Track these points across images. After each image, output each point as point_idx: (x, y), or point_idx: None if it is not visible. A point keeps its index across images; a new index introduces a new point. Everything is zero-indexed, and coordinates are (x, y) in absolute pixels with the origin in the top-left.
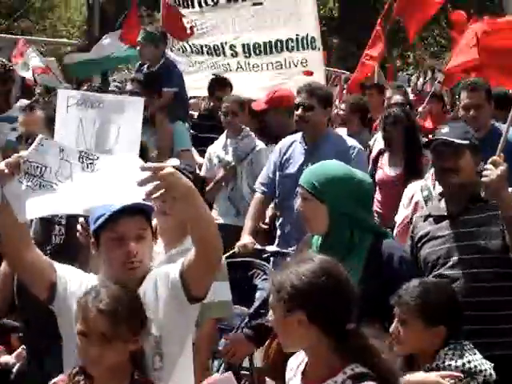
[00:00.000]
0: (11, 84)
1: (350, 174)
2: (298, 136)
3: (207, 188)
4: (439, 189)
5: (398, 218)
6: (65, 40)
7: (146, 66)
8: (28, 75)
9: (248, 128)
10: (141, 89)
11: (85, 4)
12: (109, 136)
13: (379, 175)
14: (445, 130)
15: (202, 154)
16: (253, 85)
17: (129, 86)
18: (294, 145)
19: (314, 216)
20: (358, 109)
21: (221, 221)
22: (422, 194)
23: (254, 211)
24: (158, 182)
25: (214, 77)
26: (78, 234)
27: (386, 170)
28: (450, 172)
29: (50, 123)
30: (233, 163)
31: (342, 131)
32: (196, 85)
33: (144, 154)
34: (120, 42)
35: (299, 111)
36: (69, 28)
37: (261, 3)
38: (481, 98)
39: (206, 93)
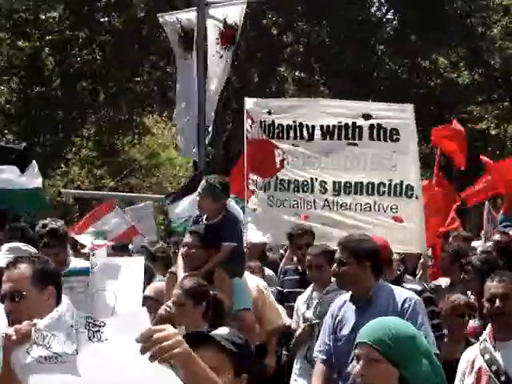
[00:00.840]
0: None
1: (417, 332)
2: (349, 295)
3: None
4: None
5: None
6: None
7: (204, 217)
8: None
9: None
10: (200, 242)
11: (191, 161)
12: (106, 303)
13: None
14: None
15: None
16: (338, 225)
17: (187, 239)
18: (345, 305)
19: (382, 382)
20: (458, 257)
21: (299, 382)
22: (484, 359)
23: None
24: (155, 349)
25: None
26: None
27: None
28: None
29: (36, 280)
30: (314, 321)
31: (444, 281)
32: (274, 232)
33: (221, 309)
34: None
35: (334, 266)
36: (174, 184)
37: (356, 144)
38: None
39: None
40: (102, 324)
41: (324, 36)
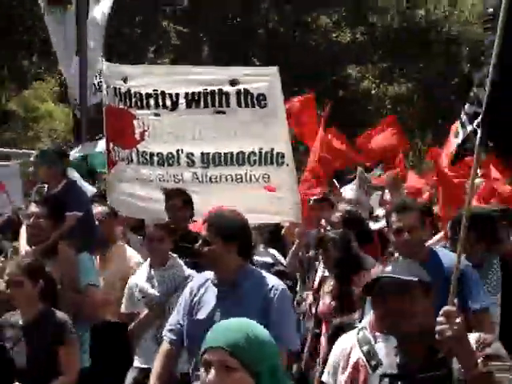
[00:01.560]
0: None
1: (271, 338)
2: (211, 274)
3: (129, 327)
4: (383, 341)
5: None
6: None
7: (46, 187)
8: None
9: (176, 255)
10: (46, 211)
11: (70, 114)
12: None
13: (320, 307)
14: (388, 268)
15: None
16: (208, 198)
17: (33, 208)
18: (206, 284)
19: None
20: None
21: (144, 366)
22: (362, 349)
23: (159, 368)
24: None
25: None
26: None
27: (326, 299)
28: (400, 317)
29: None
30: (159, 299)
31: None
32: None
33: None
34: None
35: (198, 244)
36: (53, 138)
37: (224, 112)
38: (414, 220)
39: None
40: None
41: None
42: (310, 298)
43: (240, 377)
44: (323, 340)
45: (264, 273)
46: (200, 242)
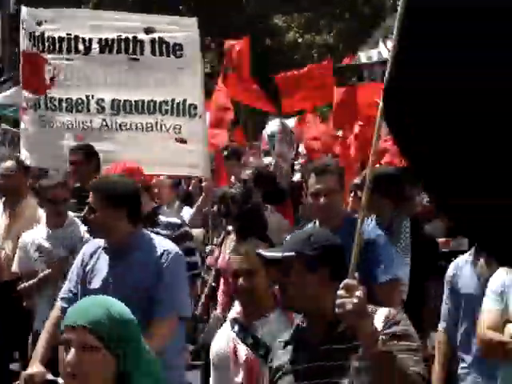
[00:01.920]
0: None
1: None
2: (102, 241)
3: (20, 287)
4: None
5: None
6: None
7: None
8: None
9: (72, 214)
10: None
11: None
12: None
13: (219, 262)
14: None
15: None
16: (118, 146)
17: None
18: (98, 252)
19: (98, 374)
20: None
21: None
22: (246, 343)
23: (47, 333)
24: None
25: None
26: None
27: (226, 254)
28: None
29: None
30: (62, 255)
31: None
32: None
33: None
34: None
35: (84, 212)
36: None
37: (137, 59)
38: (334, 183)
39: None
40: None
41: None
42: (216, 253)
43: (101, 357)
44: (220, 294)
45: (157, 237)
46: (86, 208)
